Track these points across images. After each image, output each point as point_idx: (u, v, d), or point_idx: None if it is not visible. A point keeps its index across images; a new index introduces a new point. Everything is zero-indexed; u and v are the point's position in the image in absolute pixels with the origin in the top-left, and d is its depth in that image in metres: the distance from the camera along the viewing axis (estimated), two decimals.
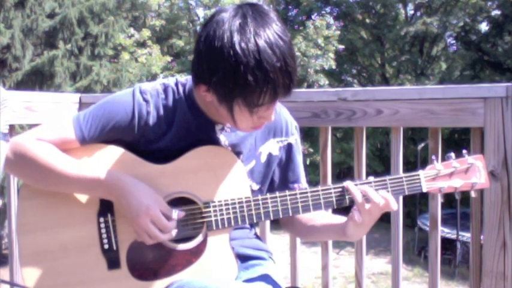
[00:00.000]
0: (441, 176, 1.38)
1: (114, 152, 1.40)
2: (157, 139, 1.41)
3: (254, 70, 1.21)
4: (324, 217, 1.51)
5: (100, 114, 1.39)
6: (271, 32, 1.24)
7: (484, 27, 19.62)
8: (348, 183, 1.37)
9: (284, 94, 1.27)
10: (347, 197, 1.37)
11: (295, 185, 1.57)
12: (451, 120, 1.73)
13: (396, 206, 1.35)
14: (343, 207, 1.41)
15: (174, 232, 1.34)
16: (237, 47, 1.21)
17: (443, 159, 1.42)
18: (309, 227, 1.52)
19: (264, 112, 1.31)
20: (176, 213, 1.34)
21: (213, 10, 17.31)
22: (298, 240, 2.07)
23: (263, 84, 1.22)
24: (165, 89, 1.44)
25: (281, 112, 1.54)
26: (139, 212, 1.31)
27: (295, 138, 1.57)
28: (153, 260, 1.38)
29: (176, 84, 1.45)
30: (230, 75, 1.22)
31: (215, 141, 1.45)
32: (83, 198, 1.38)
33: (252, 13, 1.26)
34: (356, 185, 1.37)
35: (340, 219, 1.45)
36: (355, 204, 1.36)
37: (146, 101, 1.40)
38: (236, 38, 1.21)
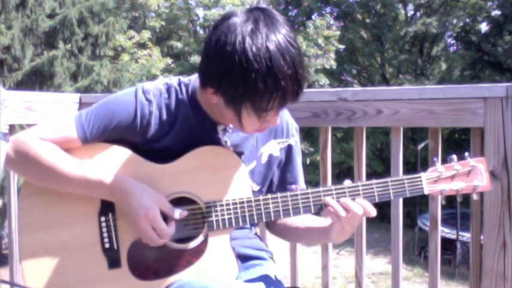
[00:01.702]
0: (443, 178, 1.38)
1: (116, 152, 1.40)
2: (159, 139, 1.41)
3: (265, 76, 1.21)
4: (308, 220, 1.51)
5: (102, 113, 1.39)
6: (282, 38, 1.24)
7: (484, 27, 19.62)
8: (328, 200, 1.35)
9: (293, 100, 1.28)
10: (349, 197, 1.37)
11: (293, 186, 1.57)
12: (451, 120, 1.73)
13: (375, 212, 1.34)
14: None
15: (171, 232, 1.34)
16: (249, 53, 1.21)
17: (443, 159, 1.43)
18: (293, 229, 1.53)
19: (272, 117, 1.32)
20: (179, 213, 1.34)
21: (213, 10, 17.33)
22: None
23: (273, 91, 1.23)
24: (168, 89, 1.44)
25: (282, 113, 1.54)
26: (139, 214, 1.31)
27: (295, 140, 1.58)
28: (153, 259, 1.38)
29: (179, 84, 1.45)
30: (240, 80, 1.23)
31: (217, 142, 1.45)
32: (84, 197, 1.38)
33: (263, 18, 1.26)
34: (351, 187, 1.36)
35: (323, 222, 1.44)
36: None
37: (149, 100, 1.40)
38: (248, 43, 1.21)
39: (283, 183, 1.58)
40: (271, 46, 1.22)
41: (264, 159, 1.52)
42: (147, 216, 1.31)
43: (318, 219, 1.49)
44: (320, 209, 1.39)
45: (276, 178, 1.57)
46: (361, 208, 1.33)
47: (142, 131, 1.40)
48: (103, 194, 1.36)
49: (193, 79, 1.45)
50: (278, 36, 1.24)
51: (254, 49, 1.21)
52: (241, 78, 1.22)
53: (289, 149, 1.57)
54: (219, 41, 1.25)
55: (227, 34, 1.24)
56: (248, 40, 1.22)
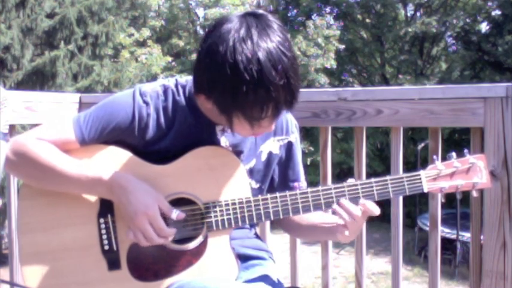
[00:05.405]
0: (442, 176, 1.38)
1: (115, 153, 1.40)
2: (158, 141, 1.41)
3: (256, 88, 1.20)
4: (317, 217, 1.50)
5: (100, 115, 1.39)
6: (274, 47, 1.23)
7: (484, 27, 19.62)
8: (335, 207, 1.35)
9: (287, 108, 1.28)
10: (348, 196, 1.37)
11: (295, 184, 1.57)
12: (451, 120, 1.73)
13: (378, 210, 1.34)
14: None
15: (171, 236, 1.34)
16: (240, 64, 1.20)
17: (443, 159, 1.42)
18: (301, 226, 1.53)
19: (265, 122, 1.31)
20: (176, 214, 1.33)
21: (213, 10, 17.32)
22: (298, 240, 2.07)
23: (264, 101, 1.23)
24: (165, 91, 1.44)
25: None
26: (137, 210, 1.30)
27: (295, 137, 1.57)
28: (153, 260, 1.38)
29: (176, 86, 1.45)
30: (230, 91, 1.22)
31: (215, 143, 1.45)
32: (83, 198, 1.38)
33: (256, 26, 1.24)
34: (354, 184, 1.36)
35: (332, 219, 1.44)
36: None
37: (146, 103, 1.40)
38: (238, 53, 1.20)
39: (285, 181, 1.57)
40: (262, 57, 1.20)
41: (264, 157, 1.52)
42: (147, 213, 1.30)
43: (327, 216, 1.48)
44: (319, 208, 1.39)
45: (277, 175, 1.57)
46: (360, 211, 1.33)
47: (141, 133, 1.40)
48: (102, 191, 1.35)
49: (191, 80, 1.45)
50: (270, 45, 1.22)
51: (245, 60, 1.20)
52: (231, 89, 1.22)
53: (289, 146, 1.56)
54: (210, 49, 1.25)
55: (218, 43, 1.23)
56: (239, 49, 1.20)
